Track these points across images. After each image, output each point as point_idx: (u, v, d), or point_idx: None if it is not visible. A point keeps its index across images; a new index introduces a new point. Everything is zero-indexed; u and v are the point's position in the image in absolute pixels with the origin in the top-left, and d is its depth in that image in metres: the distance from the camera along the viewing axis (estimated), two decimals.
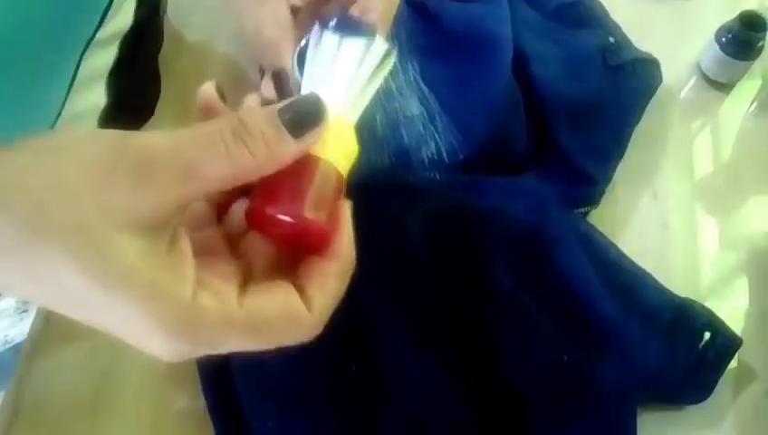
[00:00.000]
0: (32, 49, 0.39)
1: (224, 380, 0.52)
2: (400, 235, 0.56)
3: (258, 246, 0.29)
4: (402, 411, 0.50)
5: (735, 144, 0.67)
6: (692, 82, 0.69)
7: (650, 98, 0.64)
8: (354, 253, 0.29)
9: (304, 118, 0.26)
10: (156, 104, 0.62)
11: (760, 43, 0.63)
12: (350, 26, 0.33)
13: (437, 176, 0.58)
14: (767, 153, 0.66)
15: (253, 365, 0.50)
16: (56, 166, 0.23)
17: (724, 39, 0.64)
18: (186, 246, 0.25)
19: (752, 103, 0.68)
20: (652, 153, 0.64)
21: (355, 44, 0.30)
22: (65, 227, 0.23)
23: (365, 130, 0.59)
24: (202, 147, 0.25)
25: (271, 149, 0.26)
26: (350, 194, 0.59)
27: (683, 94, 0.68)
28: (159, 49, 0.62)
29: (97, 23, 0.46)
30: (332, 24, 0.31)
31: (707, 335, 0.54)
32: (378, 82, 0.31)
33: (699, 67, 0.68)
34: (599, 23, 0.67)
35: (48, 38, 0.40)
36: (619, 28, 0.68)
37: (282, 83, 0.38)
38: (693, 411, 0.53)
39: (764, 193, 0.64)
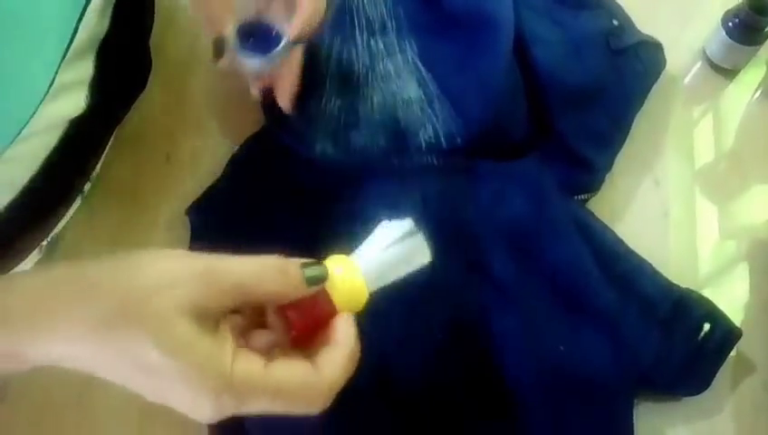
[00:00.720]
0: (29, 16, 0.40)
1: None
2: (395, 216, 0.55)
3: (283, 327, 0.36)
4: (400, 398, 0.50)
5: (739, 131, 0.65)
6: (696, 67, 0.67)
7: (653, 83, 0.63)
8: (358, 346, 0.36)
9: (314, 277, 0.35)
10: (147, 78, 0.61)
11: (767, 29, 0.62)
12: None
13: (435, 160, 0.57)
14: None
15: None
16: (140, 270, 0.33)
17: (730, 23, 0.63)
18: (225, 327, 0.33)
19: (756, 90, 0.67)
20: (654, 139, 0.63)
21: (399, 246, 0.38)
22: (146, 316, 0.31)
23: (362, 114, 0.59)
24: (256, 274, 0.34)
25: (297, 289, 0.35)
26: (348, 177, 0.58)
27: (687, 80, 0.67)
28: (151, 26, 0.61)
29: None
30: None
31: (707, 327, 0.53)
32: (403, 272, 0.38)
33: (704, 52, 0.67)
34: (602, 4, 0.66)
35: (46, 5, 0.41)
36: (623, 10, 0.66)
37: (221, 48, 0.45)
38: (690, 403, 0.52)
39: (766, 182, 0.63)
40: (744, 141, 0.65)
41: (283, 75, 0.50)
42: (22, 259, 0.58)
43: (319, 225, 0.55)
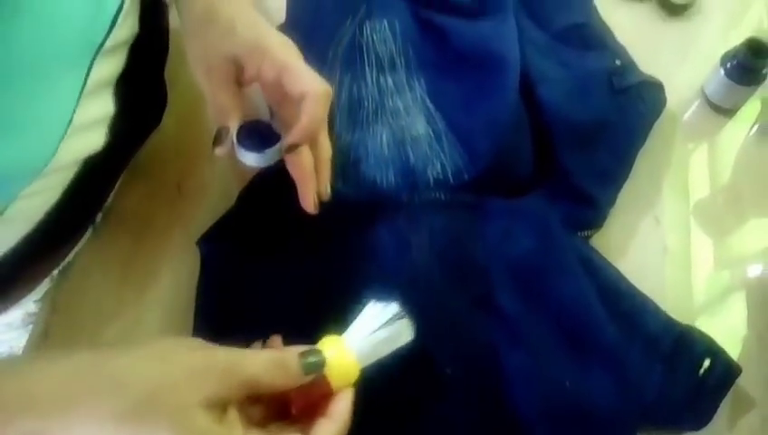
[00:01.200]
0: (43, 56, 0.40)
1: None
2: (406, 254, 0.56)
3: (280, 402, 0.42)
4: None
5: (735, 166, 0.67)
6: (695, 105, 0.69)
7: (655, 121, 0.64)
8: (349, 420, 0.41)
9: (311, 366, 0.40)
10: (163, 114, 0.61)
11: (765, 70, 0.64)
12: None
13: (443, 196, 0.58)
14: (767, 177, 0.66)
15: None
16: (165, 364, 0.36)
17: (729, 65, 0.64)
18: (233, 410, 0.38)
19: (752, 126, 0.69)
20: (653, 176, 0.64)
21: (387, 328, 0.43)
22: (171, 407, 0.35)
23: (371, 150, 0.60)
24: (264, 369, 0.38)
25: (297, 380, 0.40)
26: (358, 212, 0.59)
27: (686, 117, 0.69)
28: (165, 59, 0.62)
29: (107, 30, 0.45)
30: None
31: (707, 362, 0.54)
32: (389, 350, 0.43)
33: (703, 92, 0.69)
34: (605, 44, 0.67)
35: (61, 46, 0.42)
36: (625, 50, 0.68)
37: (221, 138, 0.48)
38: None
39: (762, 216, 0.65)
40: (740, 176, 0.66)
41: (300, 179, 0.50)
42: (34, 288, 0.58)
43: (329, 259, 0.56)
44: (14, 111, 0.40)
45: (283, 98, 0.49)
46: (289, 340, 0.44)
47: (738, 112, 0.69)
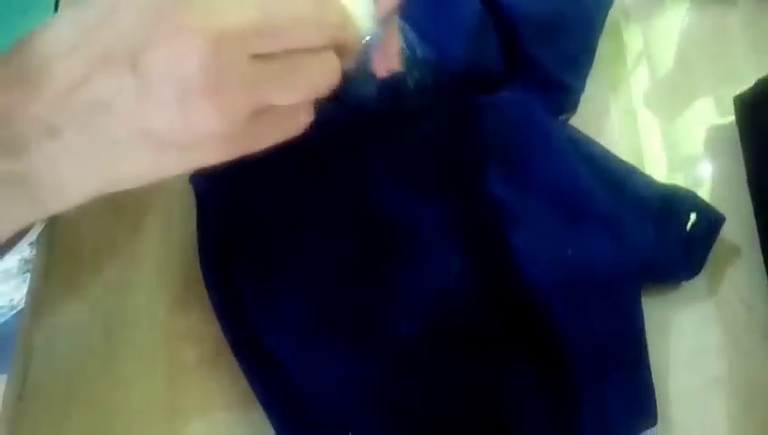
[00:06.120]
0: None
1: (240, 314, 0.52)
2: (399, 159, 0.57)
3: None
4: (416, 316, 0.52)
5: (685, 36, 0.70)
6: None
7: (609, 8, 0.67)
8: None
9: None
10: None
11: None
12: None
13: (427, 101, 0.59)
14: (711, 44, 0.69)
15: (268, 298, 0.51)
16: None
17: None
18: None
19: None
20: (612, 56, 0.67)
21: None
22: None
23: (347, 67, 0.60)
24: None
25: None
26: (346, 129, 0.60)
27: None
28: None
29: None
30: None
31: (693, 216, 0.58)
32: None
33: None
34: None
35: None
36: None
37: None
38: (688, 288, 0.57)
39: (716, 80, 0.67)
40: (687, 43, 0.69)
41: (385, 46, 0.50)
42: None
43: (326, 180, 0.57)
44: None
45: None
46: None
47: None
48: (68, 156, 0.30)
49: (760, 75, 0.61)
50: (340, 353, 0.52)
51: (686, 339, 0.56)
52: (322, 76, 0.33)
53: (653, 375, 0.52)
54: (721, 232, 0.59)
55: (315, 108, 0.55)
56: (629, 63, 0.68)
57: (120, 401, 0.51)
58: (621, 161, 0.59)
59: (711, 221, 0.58)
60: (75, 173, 0.31)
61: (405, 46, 0.62)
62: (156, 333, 0.53)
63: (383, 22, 0.49)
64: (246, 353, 0.51)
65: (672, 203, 0.58)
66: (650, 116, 0.65)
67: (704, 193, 0.60)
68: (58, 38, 0.30)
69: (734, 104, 0.63)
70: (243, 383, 0.50)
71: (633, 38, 0.69)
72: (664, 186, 0.59)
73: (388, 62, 0.51)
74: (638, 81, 0.67)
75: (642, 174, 0.59)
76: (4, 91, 0.29)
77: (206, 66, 0.29)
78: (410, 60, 0.61)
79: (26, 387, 0.50)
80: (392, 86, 0.59)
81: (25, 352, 0.51)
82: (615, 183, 0.58)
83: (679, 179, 0.62)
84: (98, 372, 0.51)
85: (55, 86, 0.29)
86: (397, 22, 0.63)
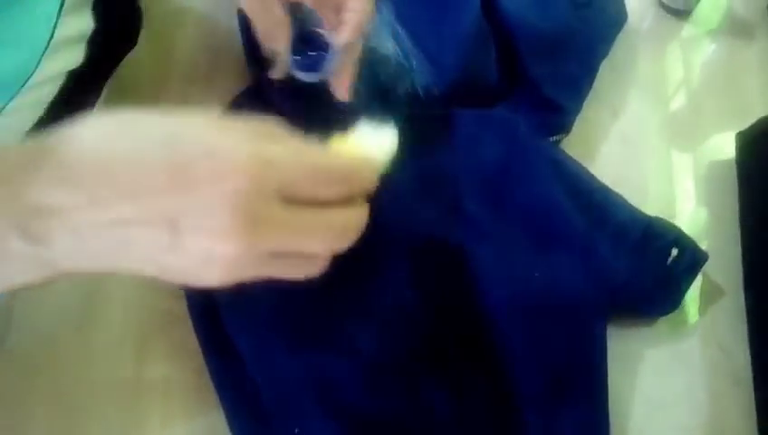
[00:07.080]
0: None
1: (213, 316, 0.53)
2: None
3: None
4: (374, 327, 0.52)
5: (693, 67, 0.69)
6: (651, 12, 0.71)
7: (617, 32, 0.66)
8: None
9: None
10: (138, 36, 0.63)
11: None
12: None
13: (414, 111, 0.60)
14: (724, 79, 0.68)
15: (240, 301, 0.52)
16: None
17: None
18: None
19: (709, 29, 0.70)
20: (614, 80, 0.66)
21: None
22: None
23: None
24: None
25: None
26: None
27: (644, 25, 0.70)
28: None
29: None
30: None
31: (675, 251, 0.56)
32: None
33: None
34: None
35: None
36: None
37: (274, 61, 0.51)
38: (662, 325, 0.56)
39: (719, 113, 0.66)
40: (698, 75, 0.68)
41: (339, 73, 0.52)
42: None
43: None
44: None
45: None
46: None
47: (693, 16, 0.70)
48: (86, 254, 0.32)
49: None
50: (299, 354, 0.52)
51: (655, 377, 0.55)
52: (350, 231, 0.34)
53: (613, 414, 0.51)
54: (707, 271, 0.57)
55: (305, 108, 0.56)
56: (635, 91, 0.67)
57: (88, 372, 0.53)
58: (607, 189, 0.58)
59: (693, 258, 0.56)
60: (90, 265, 0.33)
61: (399, 54, 0.62)
62: (128, 309, 0.54)
63: (344, 49, 0.50)
64: (210, 338, 0.53)
65: (654, 236, 0.57)
66: (650, 146, 0.64)
67: (694, 230, 0.59)
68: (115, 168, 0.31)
69: (736, 141, 0.61)
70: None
71: (642, 64, 0.68)
72: (648, 218, 0.57)
73: (340, 93, 0.53)
74: (643, 109, 0.66)
75: (627, 204, 0.58)
76: (53, 192, 0.30)
77: (241, 208, 0.30)
78: (403, 69, 0.61)
79: (2, 351, 0.53)
80: (382, 94, 0.60)
81: (4, 316, 0.54)
82: (596, 210, 0.57)
83: (670, 213, 0.60)
84: (70, 341, 0.53)
85: (95, 213, 0.31)
86: (392, 28, 0.64)
